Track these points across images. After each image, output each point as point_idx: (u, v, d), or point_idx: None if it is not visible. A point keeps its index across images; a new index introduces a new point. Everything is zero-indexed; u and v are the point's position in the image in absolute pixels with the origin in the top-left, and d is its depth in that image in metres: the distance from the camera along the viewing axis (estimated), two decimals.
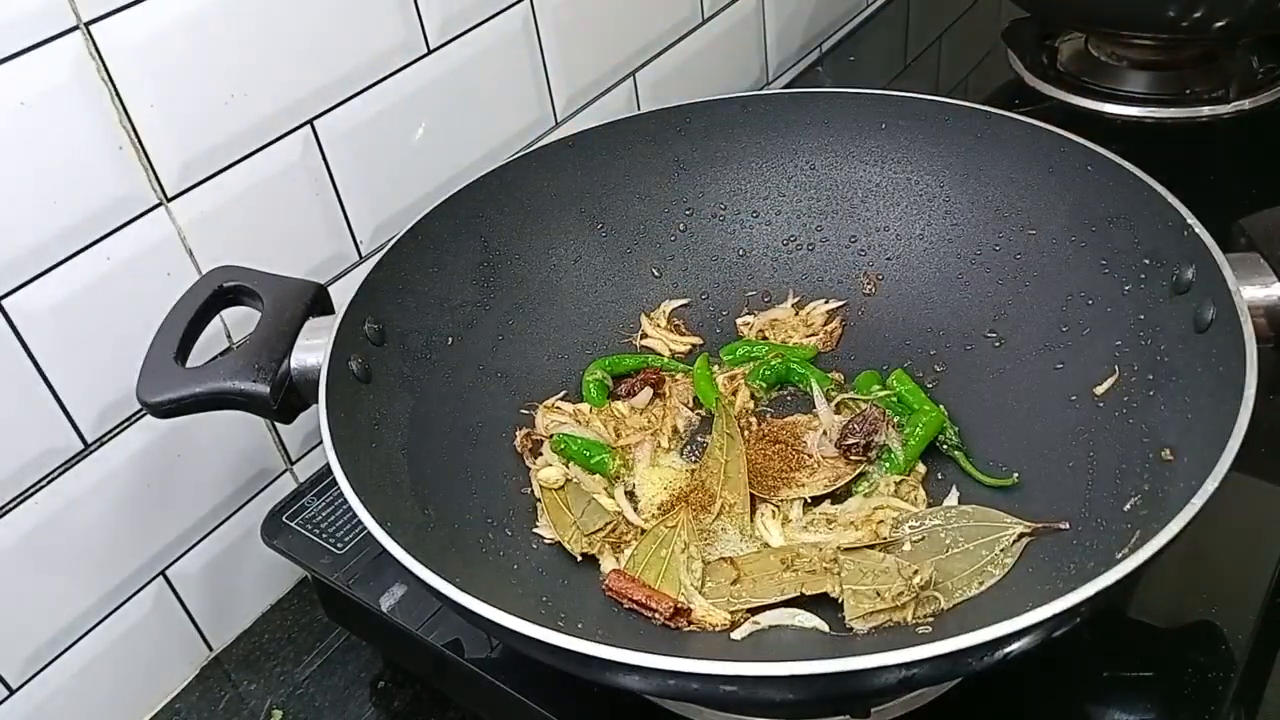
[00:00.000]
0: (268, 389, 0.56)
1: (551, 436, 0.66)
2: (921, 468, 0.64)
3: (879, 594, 0.53)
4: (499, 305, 0.71)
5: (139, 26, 0.58)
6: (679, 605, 0.56)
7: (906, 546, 0.58)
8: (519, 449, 0.66)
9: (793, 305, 0.75)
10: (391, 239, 0.66)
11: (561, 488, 0.64)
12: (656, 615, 0.55)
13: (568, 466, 0.65)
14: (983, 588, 0.54)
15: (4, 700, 0.62)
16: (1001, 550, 0.56)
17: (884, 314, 0.73)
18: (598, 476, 0.64)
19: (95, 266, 0.60)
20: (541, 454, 0.66)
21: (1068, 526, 0.56)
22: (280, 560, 0.67)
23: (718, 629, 0.55)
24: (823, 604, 0.56)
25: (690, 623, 0.55)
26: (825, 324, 0.73)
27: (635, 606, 0.56)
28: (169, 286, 0.62)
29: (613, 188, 0.75)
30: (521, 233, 0.72)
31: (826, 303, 0.74)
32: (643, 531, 0.61)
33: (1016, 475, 0.61)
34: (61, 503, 0.62)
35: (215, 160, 0.64)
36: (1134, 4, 0.92)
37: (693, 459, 0.66)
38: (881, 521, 0.59)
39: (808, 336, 0.73)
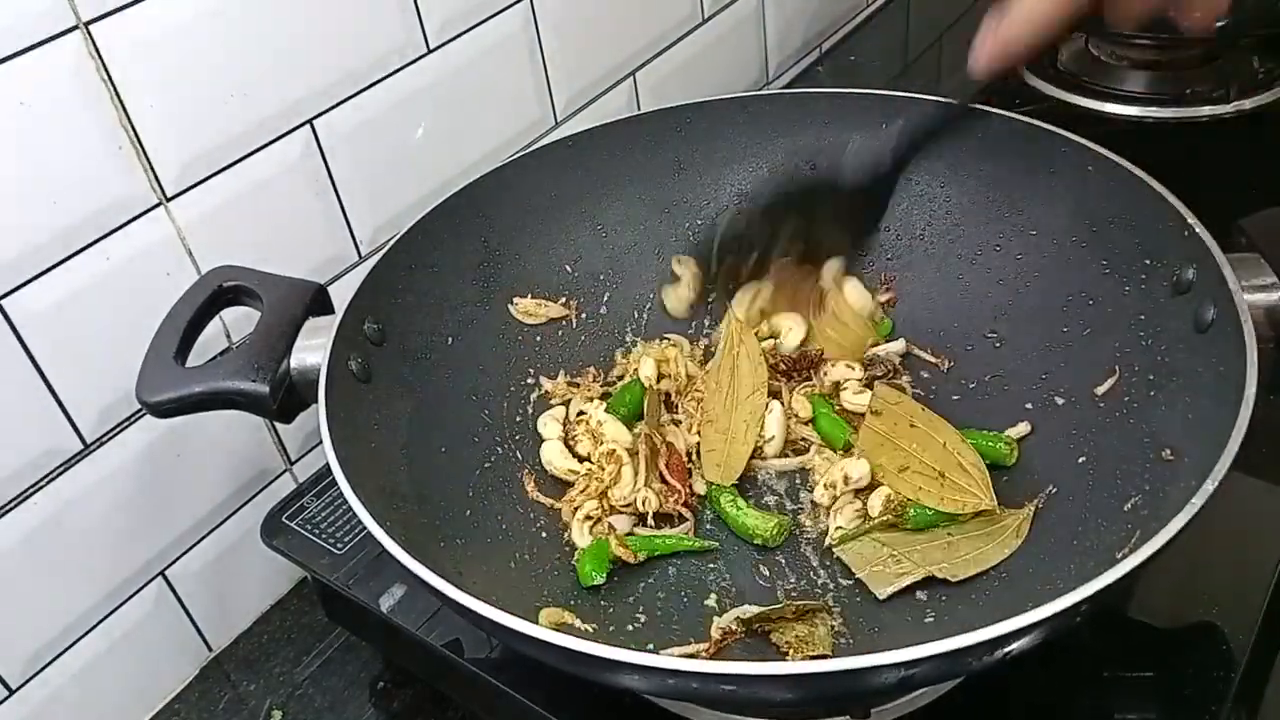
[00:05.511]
0: (267, 389, 0.56)
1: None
2: None
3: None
4: (499, 305, 0.71)
5: (139, 26, 0.58)
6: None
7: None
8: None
9: None
10: (391, 239, 0.66)
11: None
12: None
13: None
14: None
15: (4, 700, 0.62)
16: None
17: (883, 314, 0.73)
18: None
19: (95, 266, 0.60)
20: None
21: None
22: (280, 560, 0.67)
23: None
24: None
25: None
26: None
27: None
28: (168, 286, 0.62)
29: (613, 188, 0.75)
30: (521, 233, 0.72)
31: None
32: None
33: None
34: (61, 503, 0.62)
35: (215, 160, 0.64)
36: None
37: None
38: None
39: None
